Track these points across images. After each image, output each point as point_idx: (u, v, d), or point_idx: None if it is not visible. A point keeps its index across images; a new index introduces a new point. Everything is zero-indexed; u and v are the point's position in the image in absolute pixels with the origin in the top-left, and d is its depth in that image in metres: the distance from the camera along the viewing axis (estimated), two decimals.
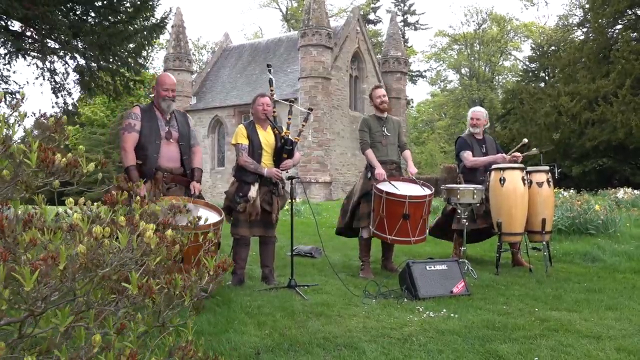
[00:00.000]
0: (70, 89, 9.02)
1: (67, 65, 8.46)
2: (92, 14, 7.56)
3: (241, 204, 4.53)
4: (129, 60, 8.14)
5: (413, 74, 44.48)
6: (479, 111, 5.93)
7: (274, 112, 4.82)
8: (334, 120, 25.75)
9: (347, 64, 27.03)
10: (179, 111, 4.51)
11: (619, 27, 24.94)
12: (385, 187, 4.97)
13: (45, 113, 1.55)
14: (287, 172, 4.79)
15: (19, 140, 1.56)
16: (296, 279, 4.53)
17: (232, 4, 71.40)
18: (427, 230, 5.21)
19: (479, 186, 5.22)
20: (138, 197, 1.81)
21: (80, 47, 7.53)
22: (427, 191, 5.08)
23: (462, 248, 5.18)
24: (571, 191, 13.29)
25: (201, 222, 2.06)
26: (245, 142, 4.67)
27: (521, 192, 5.08)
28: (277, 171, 4.65)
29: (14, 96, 8.03)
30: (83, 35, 7.33)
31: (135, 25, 7.79)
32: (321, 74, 24.44)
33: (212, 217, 3.93)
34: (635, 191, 13.34)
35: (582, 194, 12.11)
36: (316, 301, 3.98)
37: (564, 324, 3.28)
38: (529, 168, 5.31)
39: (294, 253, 4.98)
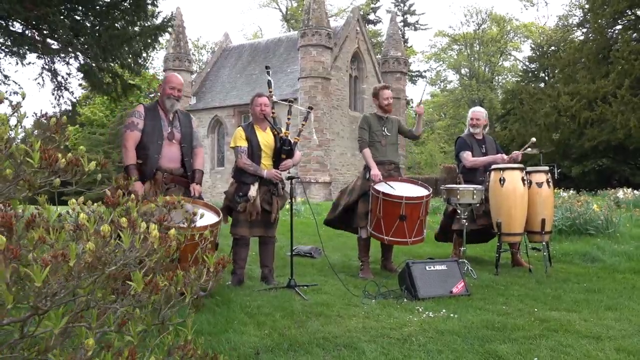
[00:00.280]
0: (71, 89, 9.03)
1: (68, 65, 8.47)
2: (92, 16, 7.56)
3: (241, 204, 4.53)
4: (129, 61, 8.14)
5: (413, 74, 44.50)
6: (479, 111, 5.93)
7: (272, 113, 4.82)
8: (333, 121, 25.76)
9: (346, 64, 27.03)
10: (183, 112, 4.49)
11: (618, 27, 24.98)
12: (382, 187, 4.97)
13: (46, 113, 1.55)
14: (288, 172, 4.79)
15: (19, 140, 1.57)
16: (296, 279, 4.54)
17: (232, 4, 71.49)
18: (425, 232, 5.20)
19: (479, 186, 5.23)
20: (133, 196, 1.82)
21: (81, 47, 7.53)
22: (425, 192, 5.08)
23: (462, 248, 5.18)
24: (571, 191, 13.30)
25: (197, 217, 2.05)
26: (244, 144, 4.67)
27: (521, 193, 5.08)
28: (276, 172, 4.65)
29: (14, 96, 8.04)
30: (83, 36, 7.33)
31: (136, 28, 7.79)
32: (321, 74, 24.45)
33: (210, 217, 3.93)
34: (635, 191, 13.35)
35: (582, 194, 12.13)
36: (316, 301, 3.98)
37: (564, 324, 3.28)
38: (529, 168, 5.32)
39: (293, 253, 4.98)
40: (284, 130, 4.79)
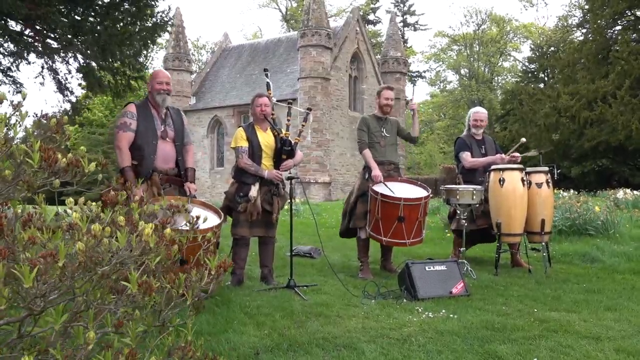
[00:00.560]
0: (72, 88, 9.02)
1: (68, 64, 8.47)
2: (92, 15, 7.56)
3: (242, 204, 4.53)
4: (129, 60, 8.14)
5: (412, 74, 44.51)
6: (483, 112, 5.92)
7: (272, 114, 4.82)
8: (333, 121, 25.75)
9: (346, 65, 27.03)
10: (173, 108, 4.43)
11: (618, 28, 24.98)
12: (380, 189, 4.96)
13: (47, 114, 1.55)
14: (289, 172, 4.79)
15: (19, 140, 1.56)
16: (295, 279, 4.54)
17: (231, 4, 71.48)
18: (424, 232, 5.20)
19: (478, 187, 5.23)
20: (136, 197, 1.82)
21: (81, 46, 7.52)
22: (423, 192, 5.08)
23: (462, 249, 5.19)
24: (571, 192, 13.30)
25: (200, 221, 2.06)
26: (245, 144, 4.67)
27: (520, 193, 5.08)
28: (277, 173, 4.65)
29: (15, 96, 8.03)
30: (83, 35, 7.33)
31: (136, 29, 7.79)
32: (320, 74, 24.45)
33: (211, 217, 3.93)
34: (635, 192, 13.35)
35: (582, 194, 12.13)
36: (315, 301, 3.98)
37: (563, 325, 3.28)
38: (528, 169, 5.32)
39: (293, 253, 4.98)
40: (284, 131, 4.79)
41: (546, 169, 5.34)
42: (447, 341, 3.00)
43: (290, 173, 4.77)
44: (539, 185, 5.19)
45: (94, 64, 8.16)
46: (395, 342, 2.99)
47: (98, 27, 7.35)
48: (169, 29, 8.56)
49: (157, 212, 1.91)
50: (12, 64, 7.89)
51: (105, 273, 1.46)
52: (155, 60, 44.13)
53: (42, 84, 8.61)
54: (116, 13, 7.58)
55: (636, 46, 22.02)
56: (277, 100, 5.75)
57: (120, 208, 1.74)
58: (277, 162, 4.71)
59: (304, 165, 23.88)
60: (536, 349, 2.87)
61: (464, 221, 5.18)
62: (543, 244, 5.20)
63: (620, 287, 4.49)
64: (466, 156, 5.70)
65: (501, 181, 5.10)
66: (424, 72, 47.24)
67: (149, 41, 8.06)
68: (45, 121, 1.56)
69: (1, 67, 8.21)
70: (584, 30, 27.80)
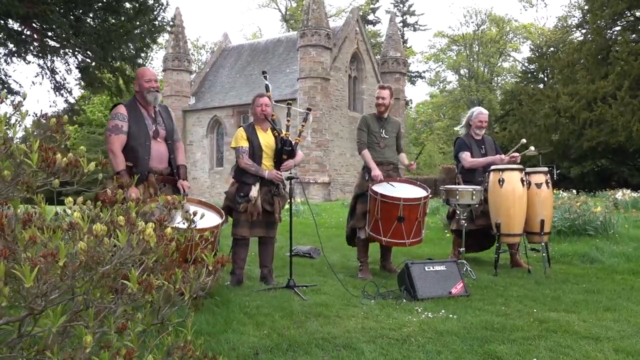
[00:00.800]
0: (70, 88, 9.01)
1: (67, 64, 8.45)
2: (91, 15, 7.55)
3: (242, 204, 4.53)
4: (129, 59, 8.12)
5: (412, 74, 44.51)
6: (486, 113, 5.90)
7: (272, 115, 4.82)
8: (332, 121, 25.76)
9: (346, 65, 27.04)
10: (161, 105, 4.37)
11: (617, 28, 25.00)
12: (380, 189, 4.96)
13: (46, 114, 1.55)
14: (290, 172, 4.79)
15: (19, 140, 1.56)
16: (295, 280, 4.54)
17: (231, 4, 71.50)
18: (424, 232, 5.20)
19: (478, 187, 5.23)
20: (133, 196, 1.82)
21: (81, 45, 7.51)
22: (423, 192, 5.07)
23: (461, 249, 5.19)
24: (570, 192, 13.30)
25: (197, 217, 2.05)
26: (245, 144, 4.67)
27: (520, 193, 5.08)
28: (277, 173, 4.65)
29: (15, 96, 8.02)
30: (82, 35, 7.31)
31: (136, 29, 7.78)
32: (320, 74, 24.45)
33: (211, 216, 3.93)
34: (634, 193, 13.36)
35: (581, 195, 12.13)
36: (315, 301, 3.98)
37: (563, 325, 3.29)
38: (528, 169, 5.32)
39: (292, 253, 4.98)
40: (284, 131, 4.79)
41: (545, 169, 5.34)
42: (447, 341, 3.00)
43: (290, 173, 4.77)
44: (539, 185, 5.19)
45: (93, 63, 8.15)
46: (394, 342, 3.00)
47: (98, 27, 7.34)
48: (168, 28, 8.54)
49: (154, 211, 1.91)
50: (5, 60, 7.85)
51: (105, 272, 1.46)
52: (155, 60, 44.11)
53: (40, 83, 8.60)
54: (114, 12, 7.57)
55: (636, 46, 22.03)
56: (277, 101, 5.74)
57: (118, 207, 1.74)
58: (278, 163, 4.71)
59: (304, 166, 23.88)
60: (535, 349, 2.87)
61: (463, 221, 5.18)
62: (542, 244, 5.20)
63: (619, 287, 4.49)
64: (466, 156, 5.70)
65: (501, 181, 5.10)
66: (424, 72, 47.30)
67: (149, 41, 8.05)
68: (44, 121, 1.56)
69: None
70: (584, 31, 27.83)
